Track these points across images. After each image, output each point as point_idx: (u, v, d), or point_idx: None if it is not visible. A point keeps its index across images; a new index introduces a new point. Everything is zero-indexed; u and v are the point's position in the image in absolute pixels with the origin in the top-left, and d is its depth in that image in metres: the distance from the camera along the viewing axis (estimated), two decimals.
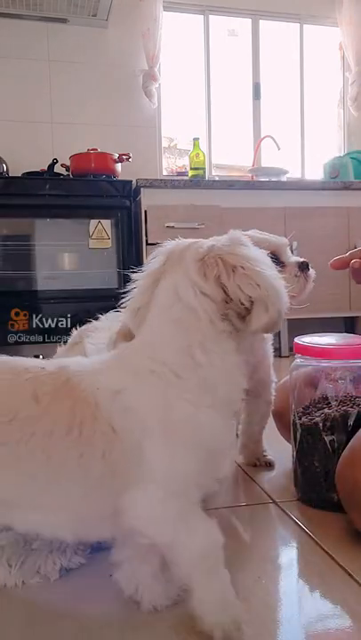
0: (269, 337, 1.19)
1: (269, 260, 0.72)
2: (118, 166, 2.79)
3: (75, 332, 1.22)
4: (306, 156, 3.59)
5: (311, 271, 1.14)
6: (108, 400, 0.64)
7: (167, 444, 0.65)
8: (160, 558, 0.73)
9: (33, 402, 0.64)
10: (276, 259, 1.07)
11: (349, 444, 0.96)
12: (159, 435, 0.64)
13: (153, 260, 0.75)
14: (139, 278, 0.75)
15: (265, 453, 1.26)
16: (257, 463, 1.26)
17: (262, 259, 0.70)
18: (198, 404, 0.66)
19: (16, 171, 2.79)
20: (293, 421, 1.08)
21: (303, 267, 1.13)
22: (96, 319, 1.20)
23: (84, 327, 1.21)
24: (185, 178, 2.98)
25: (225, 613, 0.67)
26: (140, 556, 0.74)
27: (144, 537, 0.66)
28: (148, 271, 0.75)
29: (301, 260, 1.13)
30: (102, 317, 1.19)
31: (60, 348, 1.25)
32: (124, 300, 0.77)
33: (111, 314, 1.18)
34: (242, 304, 0.67)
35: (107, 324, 1.13)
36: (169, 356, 0.67)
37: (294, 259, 1.14)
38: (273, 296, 0.66)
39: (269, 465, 1.25)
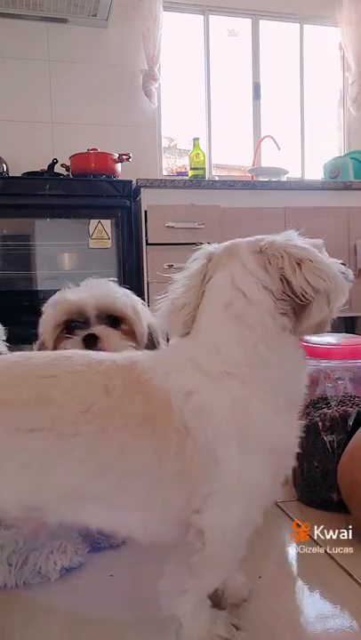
0: None
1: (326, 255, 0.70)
2: (118, 166, 2.79)
3: None
4: (306, 156, 3.59)
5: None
6: (181, 400, 0.63)
7: (242, 449, 0.63)
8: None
9: (104, 394, 0.64)
10: None
11: (351, 441, 0.96)
12: (234, 439, 0.63)
13: (194, 262, 0.73)
14: (180, 278, 0.73)
15: None
16: None
17: (322, 255, 0.69)
18: (274, 405, 0.65)
19: (16, 171, 2.79)
20: None
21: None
22: None
23: None
24: (185, 178, 2.98)
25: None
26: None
27: (209, 549, 0.65)
28: (192, 271, 0.73)
29: None
30: None
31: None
32: (160, 300, 0.74)
33: None
34: (302, 299, 0.65)
35: None
36: (238, 356, 0.65)
37: None
38: (339, 288, 0.65)
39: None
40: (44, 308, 1.00)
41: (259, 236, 0.71)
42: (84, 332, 0.95)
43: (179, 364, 0.67)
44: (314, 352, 1.05)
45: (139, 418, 0.63)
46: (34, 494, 0.65)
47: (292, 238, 0.70)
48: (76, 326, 0.97)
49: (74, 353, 0.71)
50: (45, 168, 2.76)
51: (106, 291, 1.00)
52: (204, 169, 3.00)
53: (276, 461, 0.66)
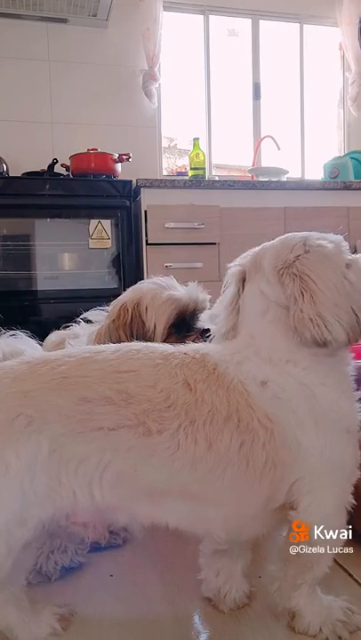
0: None
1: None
2: (118, 166, 2.79)
3: (53, 334, 1.22)
4: (306, 156, 3.59)
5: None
6: (258, 390, 0.65)
7: (320, 432, 0.65)
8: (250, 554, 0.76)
9: (186, 389, 0.63)
10: None
11: None
12: (311, 423, 0.65)
13: (228, 288, 0.76)
14: (219, 310, 0.76)
15: None
16: None
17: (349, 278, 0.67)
18: (338, 389, 0.67)
19: (16, 171, 2.79)
20: None
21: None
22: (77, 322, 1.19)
23: (63, 332, 1.21)
24: (185, 178, 2.98)
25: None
26: (235, 552, 0.75)
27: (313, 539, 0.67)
28: (227, 299, 0.75)
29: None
30: (83, 318, 1.18)
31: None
32: (212, 333, 0.79)
33: (94, 311, 1.17)
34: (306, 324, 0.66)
35: (85, 331, 1.12)
36: (291, 347, 0.67)
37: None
38: (336, 336, 0.65)
39: None
40: (144, 303, 0.97)
41: (286, 242, 0.70)
42: (201, 327, 0.98)
43: (245, 355, 0.68)
44: None
45: (224, 412, 0.63)
46: (111, 494, 0.62)
47: (325, 254, 0.68)
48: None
49: (141, 345, 0.69)
50: (45, 168, 2.76)
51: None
52: (204, 169, 3.00)
53: (353, 440, 0.67)
